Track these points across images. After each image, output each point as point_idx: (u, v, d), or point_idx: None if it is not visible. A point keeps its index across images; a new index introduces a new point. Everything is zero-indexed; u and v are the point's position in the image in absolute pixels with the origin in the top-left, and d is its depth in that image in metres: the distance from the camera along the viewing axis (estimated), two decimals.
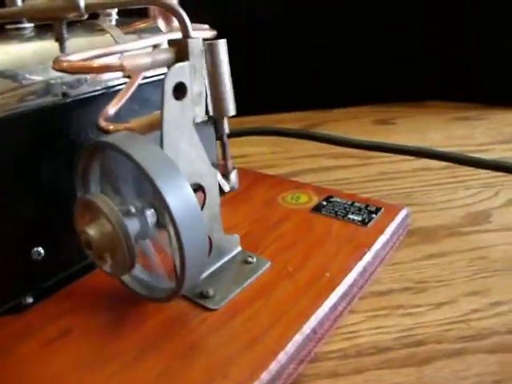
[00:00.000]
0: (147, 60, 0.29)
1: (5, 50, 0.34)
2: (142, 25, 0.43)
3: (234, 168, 0.35)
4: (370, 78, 0.87)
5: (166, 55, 0.30)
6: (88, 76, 0.36)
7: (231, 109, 0.33)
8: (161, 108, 0.29)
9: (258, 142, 0.65)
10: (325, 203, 0.46)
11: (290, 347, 0.30)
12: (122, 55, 0.31)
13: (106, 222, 0.28)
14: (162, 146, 0.30)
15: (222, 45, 0.32)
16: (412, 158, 0.59)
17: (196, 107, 0.31)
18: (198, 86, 0.31)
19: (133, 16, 0.44)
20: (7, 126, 0.31)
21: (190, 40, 0.30)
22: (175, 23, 0.45)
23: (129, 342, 0.30)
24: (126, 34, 0.40)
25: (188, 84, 0.30)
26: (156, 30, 0.43)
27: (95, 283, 0.36)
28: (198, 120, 0.32)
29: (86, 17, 0.31)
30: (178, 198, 0.27)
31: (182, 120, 0.30)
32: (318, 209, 0.45)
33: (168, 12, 0.29)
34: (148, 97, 0.40)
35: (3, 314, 0.33)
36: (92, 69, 0.29)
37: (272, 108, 0.81)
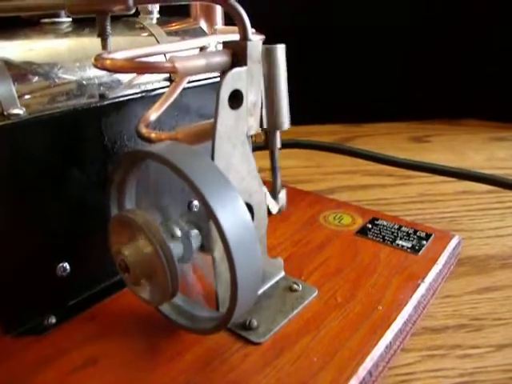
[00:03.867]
0: (201, 62, 0.25)
1: (39, 45, 0.31)
2: (183, 25, 0.40)
3: (282, 187, 0.32)
4: (404, 94, 0.83)
5: (221, 58, 0.26)
6: (127, 78, 0.33)
7: (286, 122, 0.30)
8: (214, 117, 0.26)
9: (290, 154, 0.62)
10: (370, 226, 0.42)
11: None
12: (170, 56, 0.28)
13: (147, 242, 0.25)
14: (212, 159, 0.26)
15: (281, 50, 0.29)
16: (453, 179, 0.56)
17: (250, 118, 0.28)
18: (254, 95, 0.28)
19: (174, 15, 0.41)
20: (35, 128, 0.28)
21: (249, 42, 0.26)
22: (218, 25, 0.42)
23: (163, 377, 0.27)
24: (168, 33, 0.37)
25: (244, 92, 0.27)
26: (198, 31, 0.40)
27: (124, 304, 0.33)
28: (252, 132, 0.29)
29: (132, 11, 0.28)
30: (233, 219, 0.23)
31: (235, 131, 0.27)
32: (363, 232, 0.41)
33: (227, 11, 0.26)
34: (188, 104, 0.36)
35: (23, 335, 0.30)
36: (138, 68, 0.26)
37: (301, 119, 0.78)
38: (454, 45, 0.82)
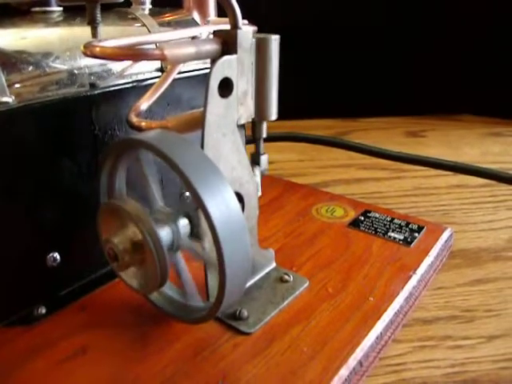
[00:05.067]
0: (191, 50, 0.25)
1: (29, 34, 0.31)
2: (176, 16, 0.39)
3: (264, 153, 0.32)
4: (400, 89, 0.83)
5: (211, 46, 0.26)
6: (118, 67, 0.33)
7: (274, 113, 0.30)
8: (204, 105, 0.26)
9: (285, 148, 0.62)
10: (362, 218, 0.42)
11: (335, 383, 0.26)
12: (160, 44, 0.27)
13: (136, 230, 0.25)
14: (202, 147, 0.26)
15: (275, 41, 0.28)
16: (447, 173, 0.56)
17: (240, 107, 0.28)
18: (245, 84, 0.28)
19: (166, 6, 0.41)
20: (24, 117, 0.28)
21: (239, 31, 0.26)
22: (211, 16, 0.42)
23: (153, 366, 0.27)
24: (160, 24, 0.37)
25: (234, 80, 0.27)
26: (191, 22, 0.40)
27: (115, 294, 0.33)
28: (242, 121, 0.28)
29: None
30: (222, 208, 0.23)
31: (225, 120, 0.27)
32: (355, 224, 0.41)
33: (218, 0, 0.26)
34: (180, 95, 0.36)
35: (13, 325, 0.30)
36: (128, 56, 0.26)
37: (298, 113, 0.77)
38: (450, 41, 0.82)
